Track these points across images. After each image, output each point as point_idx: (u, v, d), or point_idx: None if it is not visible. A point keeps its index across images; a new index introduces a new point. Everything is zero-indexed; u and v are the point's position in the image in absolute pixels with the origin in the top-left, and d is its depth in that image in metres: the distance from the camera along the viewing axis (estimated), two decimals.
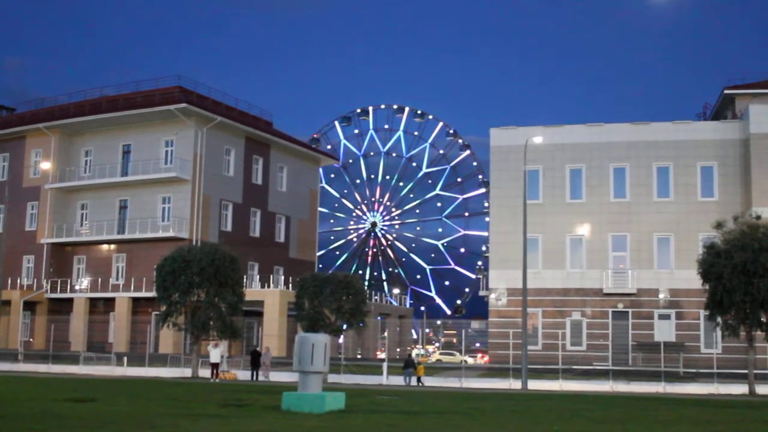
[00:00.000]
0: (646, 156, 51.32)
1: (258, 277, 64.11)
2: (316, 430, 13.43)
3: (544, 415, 19.11)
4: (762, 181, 48.46)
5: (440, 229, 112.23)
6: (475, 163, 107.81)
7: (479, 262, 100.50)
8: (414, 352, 72.57)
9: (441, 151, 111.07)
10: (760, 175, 48.55)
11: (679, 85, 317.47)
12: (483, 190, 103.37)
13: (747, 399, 31.30)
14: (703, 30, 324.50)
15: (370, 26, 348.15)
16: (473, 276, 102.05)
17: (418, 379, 40.17)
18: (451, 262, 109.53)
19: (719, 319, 35.91)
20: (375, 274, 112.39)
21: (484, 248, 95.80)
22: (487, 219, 79.99)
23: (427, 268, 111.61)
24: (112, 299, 61.08)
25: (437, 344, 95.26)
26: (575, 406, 23.18)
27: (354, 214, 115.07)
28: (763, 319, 34.93)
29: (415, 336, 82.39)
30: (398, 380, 40.73)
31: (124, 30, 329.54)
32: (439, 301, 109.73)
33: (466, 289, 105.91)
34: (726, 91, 55.86)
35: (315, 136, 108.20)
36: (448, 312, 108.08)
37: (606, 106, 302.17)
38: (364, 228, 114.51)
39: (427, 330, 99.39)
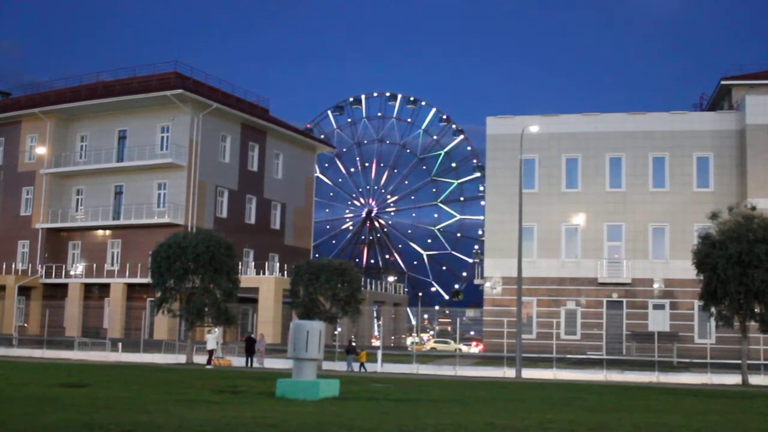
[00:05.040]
0: (642, 146, 51.35)
1: (253, 264, 64.11)
2: (311, 417, 13.45)
3: (537, 403, 19.16)
4: (757, 172, 48.52)
5: (436, 215, 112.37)
6: (469, 148, 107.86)
7: (476, 246, 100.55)
8: (409, 340, 72.71)
9: (434, 137, 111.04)
10: (755, 166, 48.60)
11: (676, 76, 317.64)
12: (478, 174, 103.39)
13: (740, 389, 31.39)
14: (701, 20, 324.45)
15: (365, 16, 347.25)
16: (470, 260, 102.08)
17: (362, 365, 40.50)
18: (448, 247, 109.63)
19: (713, 310, 35.99)
20: (372, 261, 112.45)
21: (480, 232, 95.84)
22: (482, 203, 79.99)
23: (424, 253, 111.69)
24: (107, 285, 61.10)
25: (432, 332, 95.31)
26: (569, 394, 23.23)
27: (349, 203, 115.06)
28: (757, 310, 35.00)
29: (413, 322, 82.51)
30: (394, 368, 40.83)
31: (122, 15, 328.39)
32: (436, 286, 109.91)
33: (464, 274, 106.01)
34: (723, 82, 55.83)
35: (308, 126, 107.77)
36: (446, 297, 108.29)
37: (602, 96, 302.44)
38: (359, 216, 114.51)
39: (425, 315, 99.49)
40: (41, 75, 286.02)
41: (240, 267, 46.31)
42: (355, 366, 40.68)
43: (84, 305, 61.77)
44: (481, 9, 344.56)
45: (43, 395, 17.11)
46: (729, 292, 34.40)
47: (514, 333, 40.06)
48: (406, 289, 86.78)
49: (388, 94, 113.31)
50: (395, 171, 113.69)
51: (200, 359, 41.16)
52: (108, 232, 63.75)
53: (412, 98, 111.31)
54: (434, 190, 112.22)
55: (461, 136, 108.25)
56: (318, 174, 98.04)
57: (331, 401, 17.17)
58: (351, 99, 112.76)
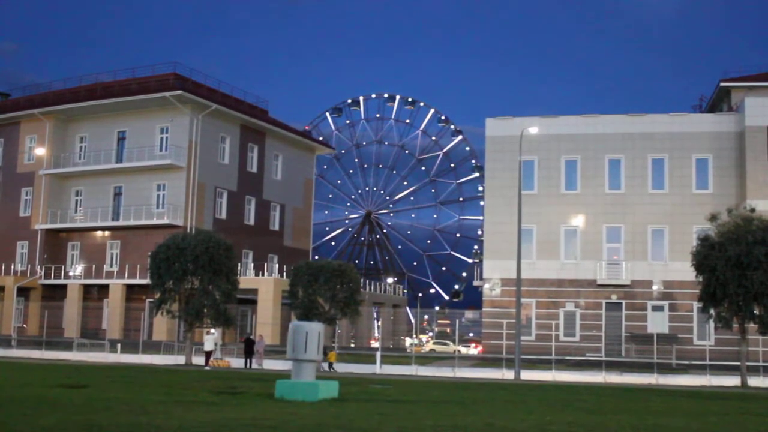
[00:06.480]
0: (641, 147, 51.35)
1: (252, 265, 64.10)
2: (310, 419, 13.45)
3: (536, 405, 19.16)
4: (757, 173, 48.53)
5: (435, 215, 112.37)
6: (467, 148, 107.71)
7: (476, 247, 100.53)
8: (408, 341, 72.64)
9: (433, 138, 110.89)
10: (754, 167, 48.62)
11: (676, 77, 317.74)
12: (476, 174, 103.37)
13: (739, 391, 31.41)
14: (700, 22, 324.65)
15: (363, 17, 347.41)
16: (470, 261, 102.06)
17: (330, 365, 40.41)
18: (448, 248, 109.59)
19: (712, 311, 36.01)
20: (371, 262, 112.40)
21: (479, 232, 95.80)
22: (481, 203, 79.97)
23: (424, 254, 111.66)
24: (106, 286, 61.07)
25: (431, 333, 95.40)
26: (568, 396, 23.25)
27: (348, 204, 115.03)
28: (756, 312, 35.00)
29: (413, 321, 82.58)
30: (393, 369, 40.82)
31: (120, 16, 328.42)
32: (436, 287, 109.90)
33: (464, 274, 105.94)
34: (722, 84, 55.89)
35: (306, 128, 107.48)
36: (446, 297, 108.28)
37: (601, 98, 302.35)
38: (359, 217, 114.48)
39: (425, 317, 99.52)
40: (40, 76, 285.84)
41: (239, 268, 46.33)
42: (324, 366, 40.63)
43: (83, 306, 61.68)
44: (480, 10, 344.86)
45: (42, 396, 17.11)
46: (728, 293, 34.41)
47: (513, 334, 40.07)
48: (405, 290, 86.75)
49: (386, 95, 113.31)
50: (394, 172, 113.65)
51: (199, 360, 41.16)
52: (107, 233, 63.73)
53: (410, 99, 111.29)
54: (433, 190, 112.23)
55: (460, 137, 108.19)
56: (317, 175, 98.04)
57: (330, 402, 17.18)
58: (349, 101, 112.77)
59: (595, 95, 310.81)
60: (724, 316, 35.38)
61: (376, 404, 17.70)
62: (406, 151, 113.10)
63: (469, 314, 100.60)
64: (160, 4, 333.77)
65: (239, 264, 48.18)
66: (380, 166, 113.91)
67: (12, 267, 64.66)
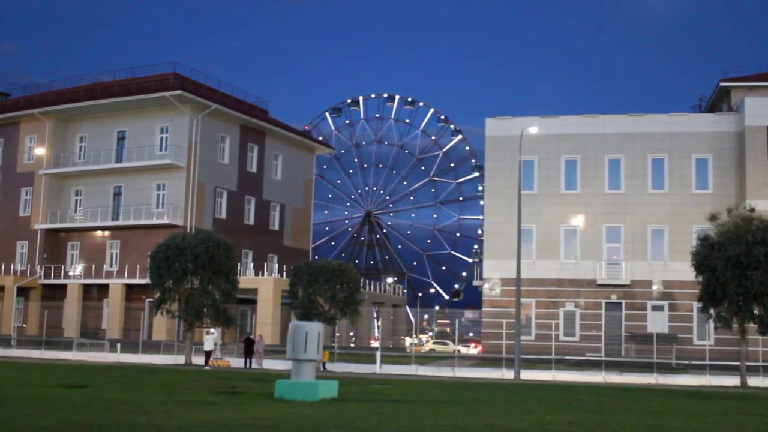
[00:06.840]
0: (641, 147, 51.34)
1: (252, 264, 64.09)
2: (309, 418, 13.45)
3: (536, 404, 19.17)
4: (756, 173, 48.52)
5: (435, 215, 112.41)
6: (467, 148, 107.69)
7: (475, 246, 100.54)
8: (408, 341, 72.66)
9: (433, 138, 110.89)
10: (754, 167, 48.61)
11: (676, 77, 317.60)
12: (476, 174, 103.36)
13: (739, 391, 31.42)
14: (700, 22, 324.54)
15: (362, 18, 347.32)
16: (470, 260, 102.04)
17: (323, 365, 40.35)
18: (447, 248, 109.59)
19: (712, 311, 36.02)
20: (371, 262, 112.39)
21: (479, 232, 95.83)
22: (481, 203, 79.93)
23: (424, 254, 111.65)
24: (106, 286, 61.05)
25: (431, 333, 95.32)
26: (568, 396, 23.25)
27: (348, 204, 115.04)
28: (756, 312, 35.01)
29: (413, 320, 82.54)
30: (392, 369, 40.82)
31: (121, 16, 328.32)
32: (436, 286, 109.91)
33: (464, 273, 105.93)
34: (722, 84, 55.86)
35: (306, 128, 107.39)
36: (446, 297, 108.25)
37: (601, 97, 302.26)
38: (358, 217, 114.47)
39: (425, 316, 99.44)
40: (40, 76, 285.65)
41: (239, 268, 46.33)
42: (320, 365, 40.55)
43: (83, 306, 61.69)
44: (479, 9, 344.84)
45: (41, 396, 17.11)
46: (728, 293, 34.41)
47: (513, 334, 40.06)
48: (405, 290, 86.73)
49: (385, 95, 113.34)
50: (394, 172, 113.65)
51: (199, 360, 41.17)
52: (107, 232, 63.71)
53: (409, 99, 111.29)
54: (433, 190, 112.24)
55: (459, 136, 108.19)
56: (317, 175, 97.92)
57: (330, 402, 17.19)
58: (349, 101, 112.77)
59: (595, 95, 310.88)
60: (723, 316, 35.39)
61: (375, 404, 17.70)
62: (406, 151, 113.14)
63: (468, 314, 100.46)
64: (160, 4, 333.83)
65: (239, 264, 48.18)
66: (380, 166, 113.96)
67: (12, 267, 64.66)
